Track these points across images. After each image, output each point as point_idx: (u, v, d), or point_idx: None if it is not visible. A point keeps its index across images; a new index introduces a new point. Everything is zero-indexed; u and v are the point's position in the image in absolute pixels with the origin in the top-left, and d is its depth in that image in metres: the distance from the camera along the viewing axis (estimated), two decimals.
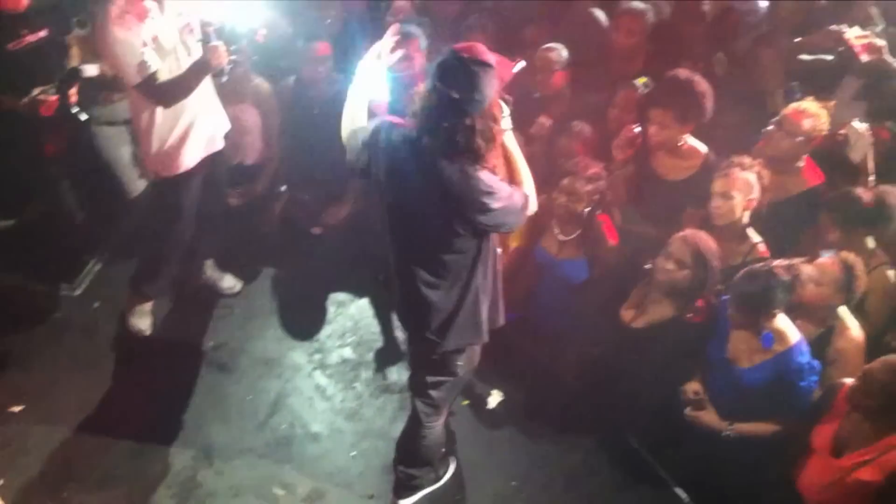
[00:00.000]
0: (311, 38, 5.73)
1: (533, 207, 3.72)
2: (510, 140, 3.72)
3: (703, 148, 4.88)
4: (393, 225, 3.74)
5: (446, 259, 3.66)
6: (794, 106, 4.79)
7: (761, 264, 4.10)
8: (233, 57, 4.70)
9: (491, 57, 3.42)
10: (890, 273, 4.48)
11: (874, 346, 4.31)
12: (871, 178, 4.85)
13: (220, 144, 5.08)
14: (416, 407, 4.19)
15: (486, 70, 3.37)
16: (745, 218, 4.56)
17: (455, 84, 3.35)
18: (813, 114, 4.70)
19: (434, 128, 3.44)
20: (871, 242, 4.53)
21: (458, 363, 3.98)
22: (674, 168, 4.90)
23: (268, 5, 5.50)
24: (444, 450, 4.59)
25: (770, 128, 4.81)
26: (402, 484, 4.49)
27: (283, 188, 6.10)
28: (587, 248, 4.87)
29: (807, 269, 4.16)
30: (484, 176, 3.47)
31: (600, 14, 5.76)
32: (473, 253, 3.67)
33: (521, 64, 3.73)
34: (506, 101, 3.58)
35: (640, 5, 5.47)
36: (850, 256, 4.23)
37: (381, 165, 3.66)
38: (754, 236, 4.60)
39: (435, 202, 3.52)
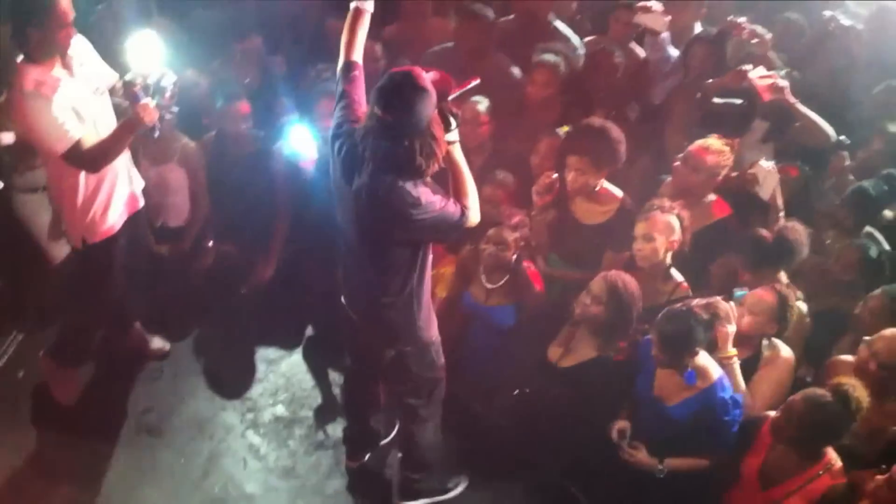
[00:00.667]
0: (231, 97, 5.73)
1: (474, 219, 3.89)
2: (456, 152, 3.86)
3: (618, 192, 5.02)
4: (342, 238, 4.00)
5: (394, 270, 3.89)
6: (698, 143, 4.98)
7: (681, 304, 4.21)
8: (173, 110, 4.63)
9: (427, 80, 3.56)
10: (802, 306, 4.64)
11: None
12: (781, 214, 5.04)
13: (141, 202, 5.04)
14: (405, 409, 4.38)
15: (420, 93, 3.53)
16: (668, 259, 4.69)
17: (390, 108, 3.51)
18: (716, 150, 4.90)
19: (374, 147, 3.60)
20: (784, 277, 4.70)
21: (425, 362, 4.23)
22: (591, 213, 5.03)
23: (185, 63, 5.57)
24: (446, 458, 4.68)
25: (676, 164, 5.01)
26: (403, 487, 4.62)
27: (210, 244, 6.06)
28: (514, 294, 4.94)
29: (723, 306, 4.29)
30: (412, 188, 3.63)
31: (515, 69, 5.90)
32: (408, 265, 3.89)
33: (476, 81, 3.92)
34: (453, 115, 3.74)
35: (552, 58, 5.63)
36: (784, 287, 4.41)
37: (333, 174, 3.89)
38: (677, 276, 4.74)
39: (365, 212, 3.73)
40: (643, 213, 4.68)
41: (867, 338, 4.21)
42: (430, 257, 4.03)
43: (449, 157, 3.82)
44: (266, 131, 5.80)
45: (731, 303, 4.36)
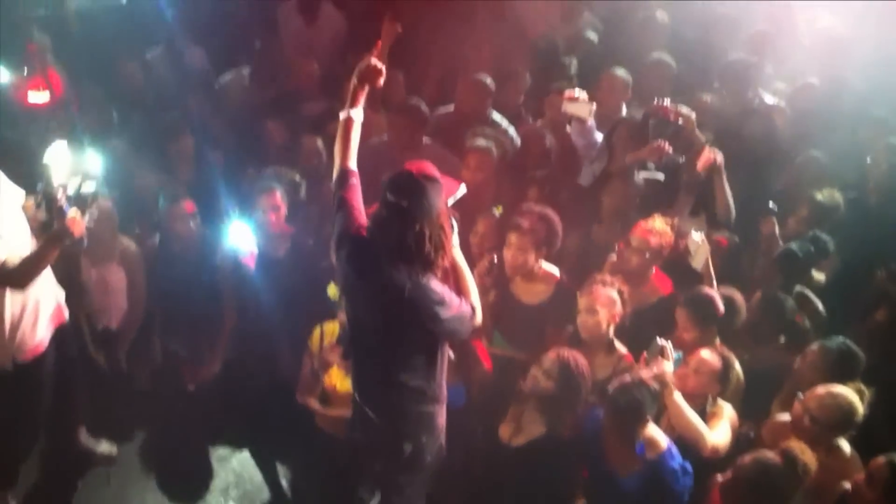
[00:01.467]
0: (174, 197, 5.79)
1: (479, 318, 3.99)
2: (458, 254, 3.98)
3: (555, 271, 5.15)
4: (358, 340, 4.00)
5: (418, 366, 3.92)
6: (641, 224, 5.16)
7: (629, 377, 4.28)
8: (95, 216, 4.61)
9: (437, 173, 3.72)
10: (737, 366, 4.74)
11: None
12: (714, 282, 5.19)
13: (66, 313, 4.96)
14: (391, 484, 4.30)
15: (433, 182, 3.69)
16: (611, 332, 4.79)
17: (404, 195, 3.65)
18: (659, 231, 5.11)
19: (386, 236, 3.70)
20: (717, 339, 4.82)
21: (427, 459, 4.17)
22: (531, 292, 5.14)
23: (119, 168, 5.65)
24: None
25: (621, 246, 5.18)
26: None
27: (157, 345, 6.01)
28: (463, 373, 4.95)
29: (669, 375, 4.37)
30: (434, 285, 3.74)
31: (450, 156, 6.06)
32: (430, 360, 3.93)
33: (463, 188, 4.04)
34: (454, 218, 3.89)
35: (484, 143, 5.83)
36: (725, 350, 4.53)
37: (344, 280, 3.95)
38: (621, 348, 4.83)
39: (390, 311, 3.77)
40: (586, 288, 4.79)
41: (801, 395, 4.32)
42: (446, 351, 4.08)
43: (452, 259, 3.95)
44: (209, 229, 5.84)
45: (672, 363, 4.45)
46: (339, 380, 5.02)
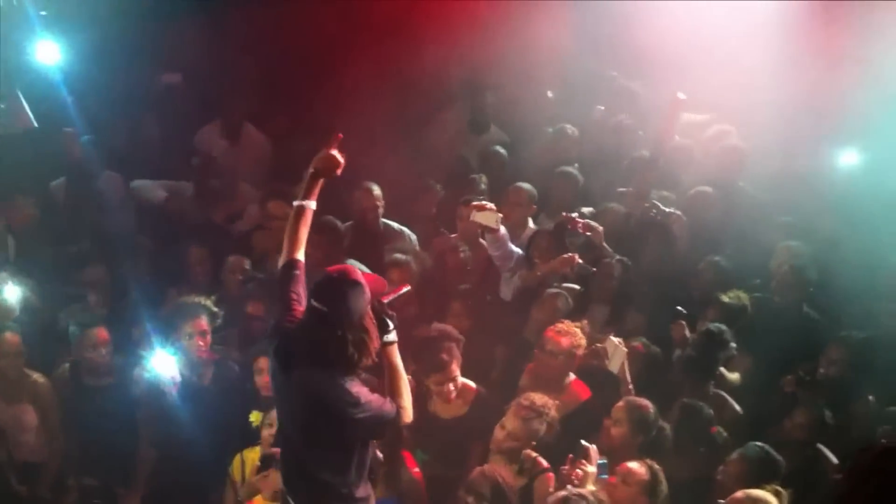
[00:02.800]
0: (87, 325, 5.70)
1: (408, 418, 4.02)
2: (393, 353, 4.01)
3: (472, 385, 5.23)
4: (284, 435, 4.05)
5: (327, 465, 3.89)
6: (550, 329, 5.30)
7: (575, 492, 4.23)
8: None
9: (360, 276, 3.80)
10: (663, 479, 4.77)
11: None
12: (630, 386, 5.31)
13: None
14: None
15: (353, 287, 3.76)
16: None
17: (326, 300, 3.71)
18: (568, 332, 5.26)
19: (310, 339, 3.75)
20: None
21: None
22: (451, 407, 5.20)
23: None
24: None
25: (535, 350, 5.27)
26: None
27: (75, 480, 5.80)
28: (394, 485, 4.88)
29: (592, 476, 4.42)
30: (351, 387, 3.77)
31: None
32: (348, 459, 3.90)
33: (407, 288, 4.17)
34: (389, 317, 3.95)
35: (403, 257, 6.00)
36: (654, 463, 4.53)
37: (272, 372, 4.02)
38: (531, 453, 4.80)
39: (308, 408, 3.80)
40: (517, 409, 4.79)
41: (721, 501, 4.38)
42: (370, 451, 4.06)
43: (386, 357, 4.00)
44: (124, 357, 5.74)
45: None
46: None
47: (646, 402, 4.95)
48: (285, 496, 4.08)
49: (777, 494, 4.36)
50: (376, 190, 6.68)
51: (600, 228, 6.05)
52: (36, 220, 6.98)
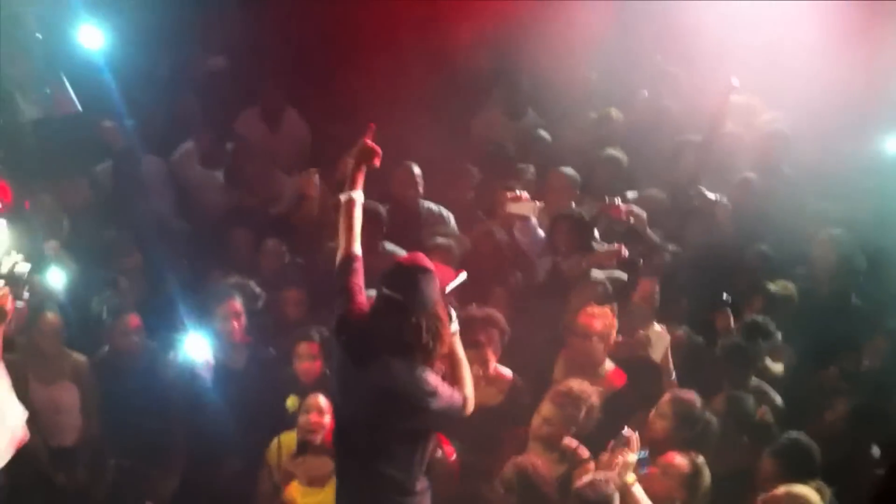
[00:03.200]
0: (119, 311, 5.75)
1: (470, 409, 4.00)
2: (457, 342, 4.02)
3: (508, 373, 5.20)
4: (344, 430, 3.99)
5: (391, 458, 3.86)
6: (581, 312, 5.27)
7: (600, 476, 4.21)
8: (25, 296, 4.37)
9: (430, 264, 3.82)
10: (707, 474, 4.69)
11: None
12: (673, 377, 5.24)
13: (27, 435, 4.86)
14: None
15: (426, 274, 3.76)
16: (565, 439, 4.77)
17: (399, 287, 3.72)
18: (599, 314, 5.21)
19: (385, 328, 3.74)
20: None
21: None
22: (485, 395, 5.09)
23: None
24: None
25: (569, 337, 5.26)
26: None
27: (112, 462, 5.88)
28: (427, 467, 4.89)
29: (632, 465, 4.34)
30: (429, 377, 3.77)
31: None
32: (413, 452, 3.88)
33: (464, 275, 4.12)
34: (453, 307, 3.95)
35: (444, 241, 6.01)
36: (697, 457, 4.48)
37: (340, 365, 3.94)
38: (571, 442, 4.78)
39: (381, 400, 3.76)
40: (556, 395, 4.75)
41: (761, 498, 4.30)
42: (432, 443, 4.07)
43: (450, 347, 3.98)
44: (161, 343, 5.78)
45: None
46: (299, 494, 4.90)
47: (692, 395, 4.84)
48: (339, 491, 4.07)
49: (819, 491, 4.29)
50: (416, 170, 6.67)
51: (643, 215, 5.95)
52: (89, 203, 7.06)
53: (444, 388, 3.85)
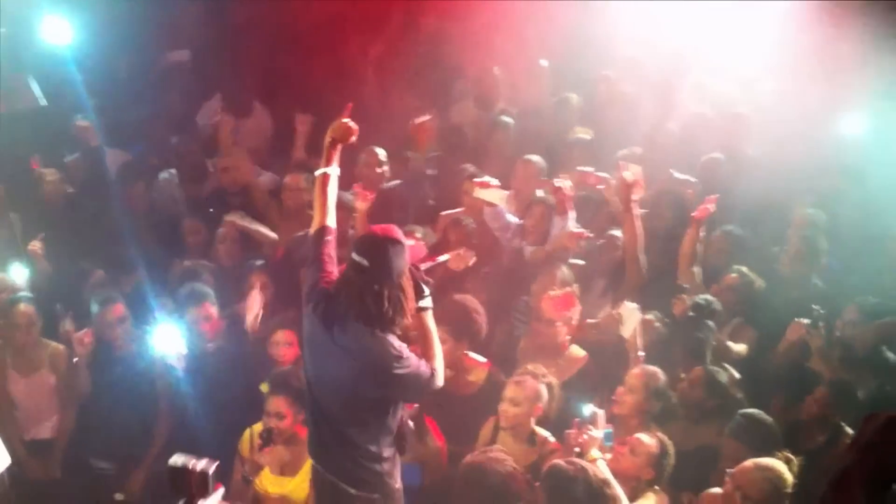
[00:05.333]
0: (105, 301, 5.74)
1: (439, 382, 4.11)
2: (429, 318, 4.14)
3: (482, 360, 5.24)
4: (315, 398, 4.15)
5: (359, 424, 4.05)
6: (545, 296, 5.35)
7: (568, 463, 4.20)
8: None
9: (402, 237, 3.95)
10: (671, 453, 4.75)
11: None
12: (641, 353, 5.27)
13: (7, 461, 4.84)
14: None
15: (394, 245, 3.90)
16: (532, 423, 4.82)
17: (367, 254, 3.86)
18: (562, 299, 5.31)
19: (348, 294, 3.89)
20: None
21: None
22: (460, 383, 5.20)
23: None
24: None
25: (531, 323, 5.36)
26: None
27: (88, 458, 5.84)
28: (417, 450, 4.91)
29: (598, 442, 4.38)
30: (393, 340, 3.91)
31: None
32: (381, 419, 4.05)
33: (446, 257, 4.33)
34: (425, 283, 4.08)
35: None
36: (665, 437, 4.53)
37: (309, 333, 4.13)
38: (542, 433, 4.84)
39: (349, 364, 3.93)
40: (515, 377, 4.84)
41: (729, 470, 4.35)
42: (400, 414, 4.18)
43: (421, 322, 4.12)
44: (143, 331, 5.76)
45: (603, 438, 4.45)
46: (270, 483, 4.92)
47: (658, 370, 4.95)
48: (314, 461, 4.25)
49: (787, 462, 4.35)
50: (382, 154, 6.72)
51: (613, 181, 5.98)
52: (64, 195, 7.10)
53: (409, 356, 3.98)
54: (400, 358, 3.94)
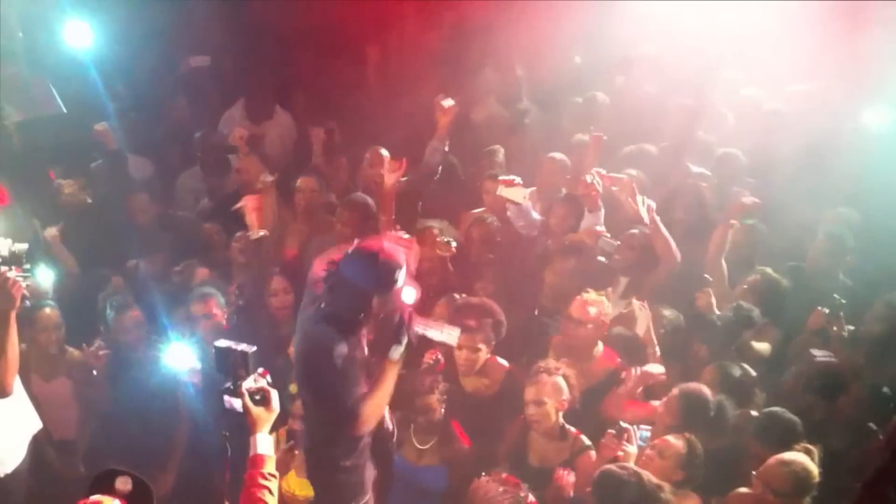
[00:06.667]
0: (121, 307, 5.76)
1: (362, 428, 4.18)
2: (390, 371, 4.20)
3: (504, 363, 5.23)
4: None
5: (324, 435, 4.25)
6: (577, 299, 5.26)
7: (621, 468, 4.22)
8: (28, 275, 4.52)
9: (392, 251, 4.12)
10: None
11: None
12: (657, 349, 5.27)
13: (39, 423, 4.91)
14: None
15: (385, 262, 4.05)
16: (560, 419, 4.81)
17: (353, 271, 4.06)
18: (595, 301, 5.21)
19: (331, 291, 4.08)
20: None
21: None
22: (481, 385, 5.21)
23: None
24: None
25: (563, 322, 5.27)
26: None
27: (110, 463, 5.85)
28: (444, 451, 4.96)
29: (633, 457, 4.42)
30: (337, 336, 4.04)
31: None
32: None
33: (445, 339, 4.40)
34: (410, 341, 4.19)
35: (437, 224, 6.11)
36: (693, 437, 4.49)
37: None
38: (572, 429, 4.84)
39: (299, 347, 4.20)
40: (531, 378, 4.81)
41: (755, 472, 4.33)
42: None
43: (383, 371, 4.19)
44: (158, 336, 5.77)
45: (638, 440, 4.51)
46: (296, 486, 4.92)
47: (700, 388, 4.82)
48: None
49: (808, 452, 4.33)
50: (386, 154, 6.64)
51: (626, 179, 5.92)
52: (85, 202, 7.08)
53: (344, 356, 4.05)
54: (329, 349, 4.01)
